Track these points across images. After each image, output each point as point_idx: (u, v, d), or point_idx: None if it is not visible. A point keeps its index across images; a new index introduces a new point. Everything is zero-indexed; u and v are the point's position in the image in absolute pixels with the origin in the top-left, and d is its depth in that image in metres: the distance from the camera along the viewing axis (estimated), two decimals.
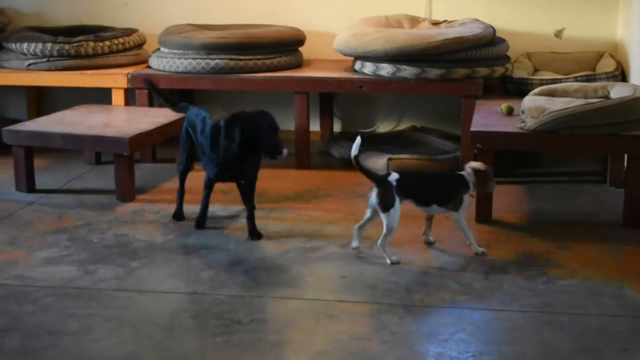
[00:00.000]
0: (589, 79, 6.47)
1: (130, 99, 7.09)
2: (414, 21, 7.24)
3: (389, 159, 6.45)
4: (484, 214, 5.40)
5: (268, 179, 6.49)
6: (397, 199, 4.68)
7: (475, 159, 5.40)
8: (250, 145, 4.88)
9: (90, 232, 5.21)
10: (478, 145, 5.42)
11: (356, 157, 4.76)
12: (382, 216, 4.69)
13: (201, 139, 5.14)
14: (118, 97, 6.98)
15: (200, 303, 4.21)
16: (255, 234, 5.09)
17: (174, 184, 6.22)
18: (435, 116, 7.54)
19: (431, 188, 4.87)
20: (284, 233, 5.19)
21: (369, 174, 4.85)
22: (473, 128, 5.53)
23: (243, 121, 4.89)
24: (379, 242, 4.72)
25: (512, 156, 6.40)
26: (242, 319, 4.01)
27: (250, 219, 5.11)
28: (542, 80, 6.56)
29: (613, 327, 3.94)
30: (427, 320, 4.02)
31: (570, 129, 5.25)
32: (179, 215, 5.49)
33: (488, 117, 5.83)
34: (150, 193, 6.05)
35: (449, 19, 7.20)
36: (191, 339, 3.83)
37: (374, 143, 7.10)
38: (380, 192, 4.71)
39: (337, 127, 7.75)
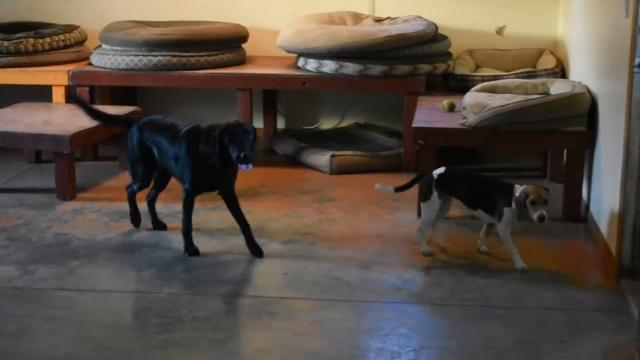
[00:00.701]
0: (529, 75, 6.53)
1: (71, 96, 7.00)
2: (357, 18, 7.26)
3: (332, 156, 6.46)
4: None
5: None
6: (435, 193, 4.70)
7: (418, 156, 5.44)
8: (226, 151, 4.61)
9: (30, 231, 5.15)
10: (420, 141, 5.46)
11: None
12: (421, 206, 4.81)
13: (172, 148, 4.85)
14: (58, 95, 6.90)
15: (141, 302, 4.19)
16: (256, 251, 4.79)
17: (116, 182, 6.21)
18: (378, 113, 7.56)
19: (474, 191, 4.75)
20: (226, 230, 5.17)
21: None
22: (415, 124, 5.57)
23: (224, 126, 4.62)
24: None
25: (454, 152, 6.44)
26: (184, 317, 3.99)
27: (247, 235, 4.80)
28: (483, 76, 6.62)
29: (551, 320, 3.98)
30: (368, 316, 4.04)
31: (510, 125, 5.30)
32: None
33: (430, 114, 5.87)
34: (92, 191, 5.99)
35: (392, 16, 7.24)
36: (132, 338, 3.81)
37: (317, 140, 7.12)
38: (420, 183, 4.80)
39: (280, 124, 7.74)
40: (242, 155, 4.53)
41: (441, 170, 4.75)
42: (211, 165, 4.69)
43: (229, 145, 4.57)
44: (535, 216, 4.39)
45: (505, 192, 4.56)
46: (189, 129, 4.86)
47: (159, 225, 5.25)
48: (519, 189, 4.49)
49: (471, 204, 4.76)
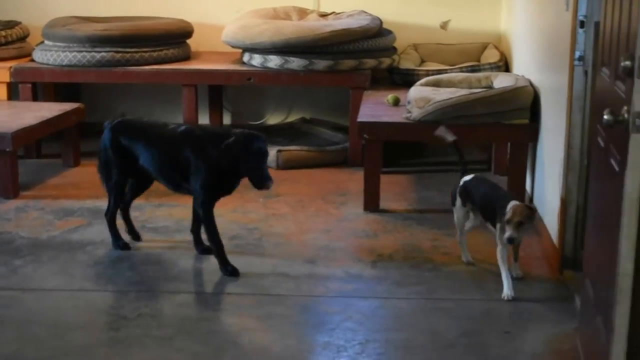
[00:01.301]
0: (473, 69, 6.59)
1: (13, 93, 6.91)
2: (302, 13, 7.26)
3: (279, 151, 6.46)
4: (371, 204, 5.45)
5: None
6: (459, 200, 4.51)
7: (363, 150, 5.45)
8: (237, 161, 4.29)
9: None
10: (365, 135, 5.47)
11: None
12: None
13: (165, 154, 4.54)
14: (0, 92, 6.80)
15: (86, 300, 4.15)
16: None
17: (60, 179, 6.15)
18: (324, 108, 7.57)
19: (482, 202, 4.41)
20: (172, 227, 5.14)
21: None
22: (360, 119, 5.58)
23: (242, 139, 4.27)
24: None
25: (399, 146, 6.48)
26: (129, 315, 3.96)
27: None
28: (428, 71, 6.66)
29: (496, 311, 4.02)
30: (314, 310, 4.04)
31: (454, 118, 5.34)
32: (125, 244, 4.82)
33: (375, 108, 5.88)
34: (35, 189, 5.92)
35: (337, 11, 7.25)
36: (77, 336, 3.76)
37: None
38: (453, 188, 4.62)
39: (226, 119, 7.71)
40: (264, 184, 4.32)
41: (468, 177, 4.53)
42: (222, 170, 4.37)
43: (243, 162, 4.26)
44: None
45: (502, 205, 4.15)
46: (184, 130, 4.51)
47: (135, 235, 4.91)
48: (509, 206, 4.10)
49: (482, 216, 4.45)
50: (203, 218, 4.45)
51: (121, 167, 4.66)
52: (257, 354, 3.59)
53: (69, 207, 5.46)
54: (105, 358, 3.56)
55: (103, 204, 5.39)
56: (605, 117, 2.76)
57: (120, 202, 4.81)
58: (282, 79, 6.70)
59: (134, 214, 5.12)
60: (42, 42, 7.01)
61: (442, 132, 4.75)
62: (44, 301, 4.15)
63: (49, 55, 6.78)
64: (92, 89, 7.58)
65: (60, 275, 4.45)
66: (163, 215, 5.36)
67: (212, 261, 4.60)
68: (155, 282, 4.35)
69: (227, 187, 4.50)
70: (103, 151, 4.72)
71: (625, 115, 2.68)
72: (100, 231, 5.05)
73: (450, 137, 4.71)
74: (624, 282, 2.73)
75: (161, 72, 6.75)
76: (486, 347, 3.67)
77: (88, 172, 6.40)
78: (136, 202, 5.52)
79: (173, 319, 3.96)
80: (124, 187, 4.77)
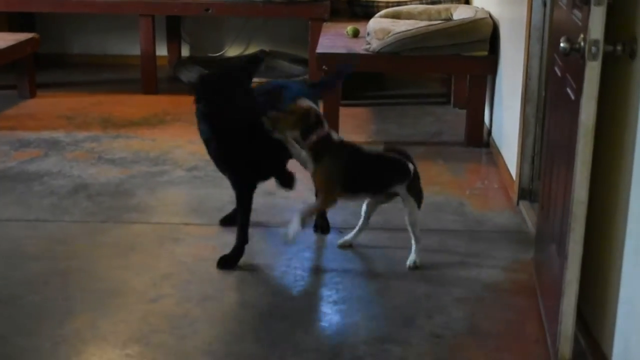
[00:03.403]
0: (433, 1, 6.55)
1: None
2: None
3: None
4: None
5: (114, 104, 6.39)
6: None
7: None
8: None
9: None
10: (324, 67, 5.43)
11: None
12: None
13: None
14: None
15: (42, 230, 4.11)
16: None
17: (15, 110, 6.08)
18: (283, 40, 7.51)
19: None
20: (129, 158, 5.11)
21: None
22: (319, 50, 5.54)
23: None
24: None
25: (358, 78, 6.45)
26: (85, 244, 3.94)
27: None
28: (387, 2, 6.62)
29: (453, 242, 4.04)
30: (272, 241, 4.04)
31: (413, 50, 5.32)
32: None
33: (334, 40, 5.85)
34: None
35: None
36: (32, 266, 3.73)
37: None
38: None
39: (185, 51, 7.63)
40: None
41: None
42: None
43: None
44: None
45: None
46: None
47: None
48: None
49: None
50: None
51: None
52: (214, 283, 3.58)
53: (25, 138, 5.40)
54: (61, 287, 3.54)
55: (59, 135, 5.36)
56: (562, 44, 2.76)
57: None
58: (240, 10, 6.62)
59: (90, 145, 5.08)
60: None
61: None
62: None
63: None
64: (47, 19, 7.45)
65: (16, 205, 4.41)
66: (120, 146, 5.32)
67: (170, 191, 4.59)
68: (113, 213, 4.32)
69: None
70: None
71: (582, 43, 2.68)
72: (56, 162, 5.00)
73: None
74: (579, 209, 2.75)
75: (118, 1, 6.64)
76: (442, 277, 3.69)
77: (44, 104, 6.34)
78: (93, 134, 5.50)
79: (130, 248, 3.94)
80: None
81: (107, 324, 3.24)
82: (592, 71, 2.64)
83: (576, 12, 2.87)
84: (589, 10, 2.61)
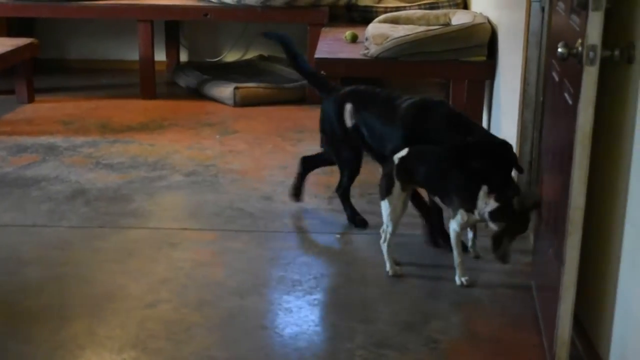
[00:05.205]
0: (431, 6, 6.55)
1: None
2: None
3: (236, 88, 6.41)
4: None
5: (112, 109, 6.40)
6: (398, 185, 3.74)
7: None
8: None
9: None
10: (322, 72, 5.43)
11: None
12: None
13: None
14: None
15: (39, 235, 4.11)
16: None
17: (13, 115, 6.09)
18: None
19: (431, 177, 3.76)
20: (127, 163, 5.10)
21: None
22: (317, 55, 5.55)
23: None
24: None
25: (357, 83, 6.44)
26: (83, 250, 3.94)
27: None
28: (386, 8, 6.63)
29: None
30: (270, 246, 4.03)
31: (412, 55, 5.32)
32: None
33: (333, 45, 5.85)
34: None
35: None
36: (29, 271, 3.73)
37: (221, 72, 7.05)
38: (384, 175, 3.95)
39: (183, 56, 7.64)
40: None
41: (402, 153, 3.74)
42: None
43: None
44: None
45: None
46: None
47: (359, 220, 4.29)
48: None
49: (432, 192, 3.84)
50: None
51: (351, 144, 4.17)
52: (211, 289, 3.58)
53: (23, 143, 5.40)
54: (58, 293, 3.53)
55: (57, 140, 5.36)
56: (560, 49, 2.75)
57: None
58: (239, 15, 6.62)
59: (88, 150, 5.08)
60: None
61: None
62: None
63: None
64: (47, 25, 7.45)
65: (13, 211, 4.40)
66: (118, 151, 5.31)
67: (168, 196, 4.60)
68: (111, 218, 4.32)
69: None
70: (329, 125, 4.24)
71: (579, 48, 2.67)
72: (54, 167, 5.00)
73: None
74: (576, 214, 2.75)
75: (116, 7, 6.64)
76: (440, 280, 3.69)
77: (42, 109, 6.35)
78: (91, 139, 5.51)
79: (128, 254, 3.93)
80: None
81: (104, 329, 3.24)
82: (590, 76, 2.64)
83: (574, 17, 2.87)
84: (586, 15, 2.61)
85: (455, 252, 3.65)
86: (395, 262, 3.74)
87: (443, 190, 3.66)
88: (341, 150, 4.21)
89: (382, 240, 3.75)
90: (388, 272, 3.71)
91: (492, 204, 3.44)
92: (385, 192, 3.69)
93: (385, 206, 3.70)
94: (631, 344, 2.64)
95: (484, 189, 3.46)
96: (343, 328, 3.29)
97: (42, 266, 3.77)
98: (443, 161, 3.63)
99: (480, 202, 3.48)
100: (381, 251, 3.78)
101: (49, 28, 7.46)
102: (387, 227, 3.71)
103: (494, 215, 3.45)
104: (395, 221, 3.71)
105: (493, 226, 3.47)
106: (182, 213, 4.44)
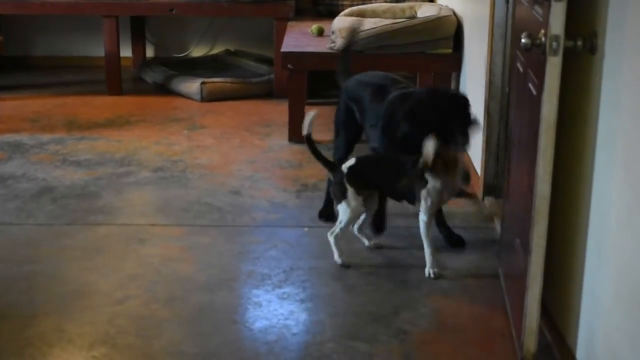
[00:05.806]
0: (397, 0, 6.56)
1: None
2: None
3: (203, 83, 6.40)
4: (296, 135, 5.42)
5: (79, 105, 6.36)
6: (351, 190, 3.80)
7: (289, 81, 5.43)
8: None
9: None
10: (289, 66, 5.44)
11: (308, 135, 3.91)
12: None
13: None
14: None
15: (6, 234, 4.08)
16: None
17: None
18: (249, 39, 7.50)
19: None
20: (94, 160, 5.08)
21: None
22: (284, 49, 5.54)
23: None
24: None
25: (324, 77, 6.44)
26: (51, 248, 3.91)
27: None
28: (352, 1, 6.63)
29: (418, 236, 4.04)
30: (239, 240, 4.03)
31: (378, 48, 5.33)
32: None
33: (299, 39, 5.85)
34: None
35: None
36: None
37: (187, 67, 7.03)
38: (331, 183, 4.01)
39: (149, 52, 7.60)
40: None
41: (350, 162, 3.84)
42: None
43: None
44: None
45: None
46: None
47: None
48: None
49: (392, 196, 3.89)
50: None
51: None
52: (181, 284, 3.57)
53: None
54: (26, 291, 3.51)
55: (23, 137, 5.32)
56: (523, 40, 2.77)
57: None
58: (205, 10, 6.60)
59: (54, 147, 5.04)
60: None
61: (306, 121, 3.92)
62: None
63: None
64: (11, 21, 7.39)
65: None
66: (85, 148, 5.29)
67: (136, 192, 4.58)
68: (78, 215, 4.29)
69: None
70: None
71: (543, 39, 2.69)
72: (20, 165, 4.97)
73: (305, 130, 3.91)
74: (542, 204, 2.77)
75: (81, 3, 6.59)
76: (407, 271, 3.71)
77: (7, 106, 6.30)
78: (57, 136, 5.48)
79: (96, 250, 3.91)
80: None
81: (73, 326, 3.22)
82: (553, 66, 2.66)
83: (537, 8, 2.89)
84: (549, 5, 2.63)
85: (425, 243, 3.69)
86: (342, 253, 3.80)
87: (394, 186, 3.68)
88: None
89: (330, 232, 3.80)
90: (337, 261, 3.76)
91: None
92: (340, 197, 3.76)
93: (342, 208, 3.77)
94: (598, 332, 2.67)
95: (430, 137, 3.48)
96: (312, 321, 3.30)
97: (9, 264, 3.75)
98: (390, 159, 3.80)
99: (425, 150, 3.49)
100: (351, 246, 3.81)
101: (14, 25, 7.40)
102: (340, 223, 3.78)
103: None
104: (349, 222, 3.79)
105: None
106: (151, 209, 4.43)
